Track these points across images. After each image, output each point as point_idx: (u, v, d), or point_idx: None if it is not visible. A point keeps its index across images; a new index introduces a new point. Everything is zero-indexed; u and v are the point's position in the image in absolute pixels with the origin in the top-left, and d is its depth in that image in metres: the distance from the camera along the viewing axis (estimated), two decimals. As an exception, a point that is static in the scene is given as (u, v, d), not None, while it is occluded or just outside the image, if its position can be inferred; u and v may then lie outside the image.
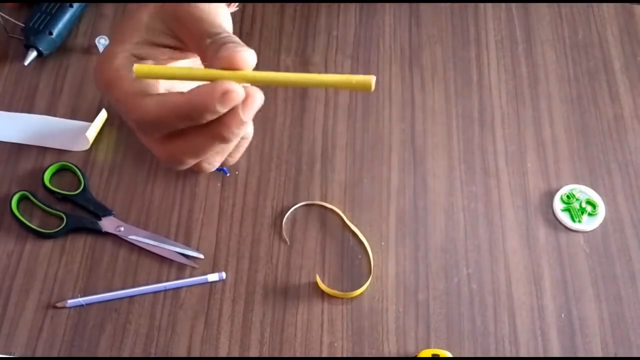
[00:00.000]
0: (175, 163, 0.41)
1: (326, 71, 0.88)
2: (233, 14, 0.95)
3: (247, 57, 0.39)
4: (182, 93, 0.38)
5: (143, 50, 0.41)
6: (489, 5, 0.95)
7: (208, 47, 0.39)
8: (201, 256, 0.75)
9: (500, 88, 0.88)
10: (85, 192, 0.78)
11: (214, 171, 0.75)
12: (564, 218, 0.78)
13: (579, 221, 0.78)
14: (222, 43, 0.39)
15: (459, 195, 0.80)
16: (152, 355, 0.70)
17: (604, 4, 0.96)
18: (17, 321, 0.71)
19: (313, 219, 0.78)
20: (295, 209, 0.78)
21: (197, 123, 0.38)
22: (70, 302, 0.72)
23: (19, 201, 0.77)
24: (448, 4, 0.95)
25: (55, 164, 0.80)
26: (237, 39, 0.40)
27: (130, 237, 0.75)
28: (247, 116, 0.39)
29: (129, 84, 0.39)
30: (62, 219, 0.76)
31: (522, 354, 0.71)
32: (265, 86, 0.42)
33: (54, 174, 0.80)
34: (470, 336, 0.72)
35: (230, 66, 0.38)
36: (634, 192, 0.81)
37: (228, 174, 0.78)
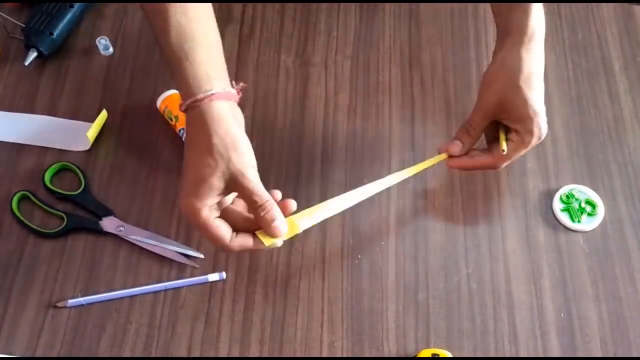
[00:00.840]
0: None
1: (326, 71, 0.88)
2: (233, 13, 0.94)
3: (281, 229, 0.63)
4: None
5: (212, 202, 0.61)
6: (489, 5, 0.95)
7: (259, 214, 0.62)
8: (201, 256, 0.75)
9: (500, 88, 0.88)
10: (85, 192, 0.78)
11: None
12: (564, 218, 0.78)
13: (578, 221, 0.78)
14: (270, 219, 0.62)
15: (458, 195, 0.80)
16: (153, 355, 0.70)
17: (604, 5, 0.96)
18: (17, 321, 0.71)
19: (313, 219, 0.78)
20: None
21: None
22: (71, 302, 0.72)
23: (19, 201, 0.78)
24: (448, 4, 0.95)
25: (55, 164, 0.80)
26: (274, 210, 0.62)
27: (131, 237, 0.76)
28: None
29: (212, 224, 0.62)
30: (62, 218, 0.76)
31: (522, 354, 0.71)
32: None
33: (54, 174, 0.80)
34: (469, 336, 0.72)
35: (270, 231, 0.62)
36: (633, 192, 0.81)
37: None
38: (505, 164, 0.73)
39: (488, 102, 0.71)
